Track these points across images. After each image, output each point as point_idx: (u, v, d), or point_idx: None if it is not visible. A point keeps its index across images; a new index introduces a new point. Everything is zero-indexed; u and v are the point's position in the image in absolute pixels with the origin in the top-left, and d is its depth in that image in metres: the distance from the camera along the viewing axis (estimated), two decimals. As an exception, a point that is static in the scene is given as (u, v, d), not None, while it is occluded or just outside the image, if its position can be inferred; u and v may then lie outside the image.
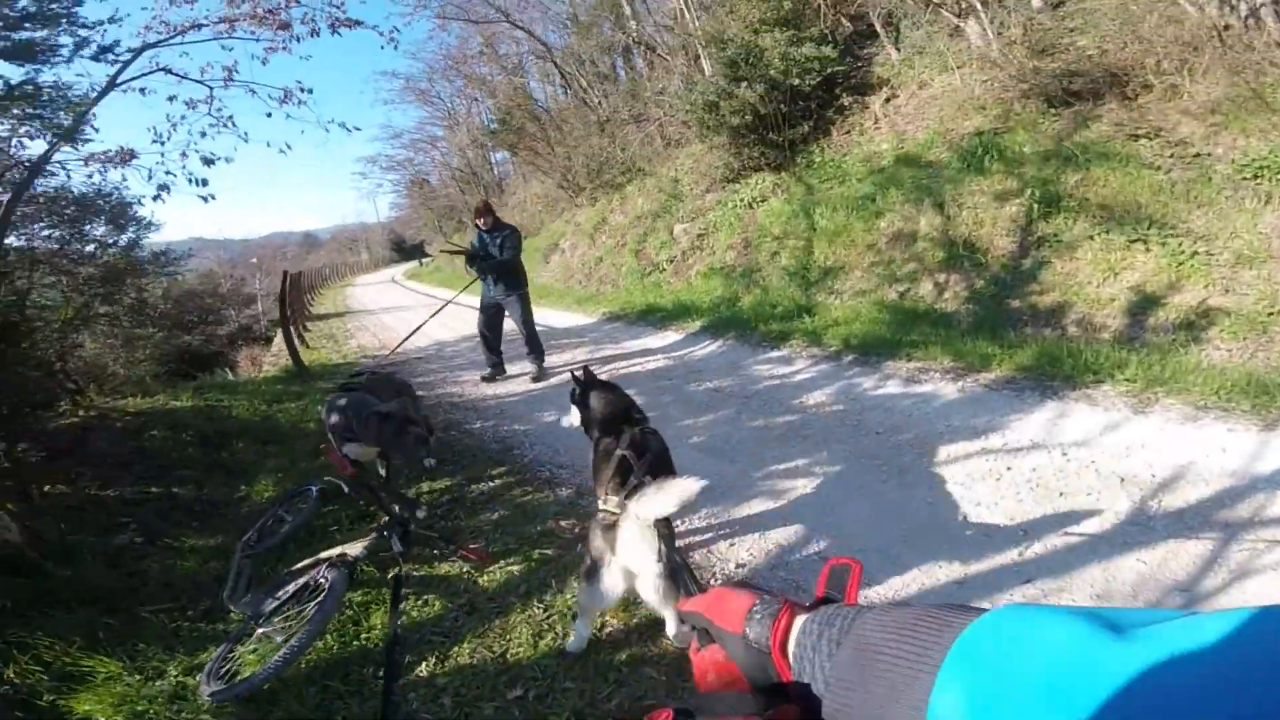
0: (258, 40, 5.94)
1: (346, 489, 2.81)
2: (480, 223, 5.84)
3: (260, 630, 2.34)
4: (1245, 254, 4.92)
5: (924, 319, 5.85)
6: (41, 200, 6.45)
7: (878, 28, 9.56)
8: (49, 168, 5.64)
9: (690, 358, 5.98)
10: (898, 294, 6.57)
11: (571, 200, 15.59)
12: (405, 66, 34.29)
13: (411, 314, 12.45)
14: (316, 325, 12.76)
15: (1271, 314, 4.59)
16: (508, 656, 2.19)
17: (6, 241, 5.38)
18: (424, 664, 2.22)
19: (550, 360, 6.26)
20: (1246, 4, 5.99)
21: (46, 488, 4.11)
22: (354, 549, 2.55)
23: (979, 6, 7.95)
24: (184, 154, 5.87)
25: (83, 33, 5.64)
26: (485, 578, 2.65)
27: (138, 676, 2.25)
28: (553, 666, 2.09)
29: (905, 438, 3.51)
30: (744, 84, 9.06)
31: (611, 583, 1.91)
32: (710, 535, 2.84)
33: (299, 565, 2.58)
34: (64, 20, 5.57)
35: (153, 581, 3.01)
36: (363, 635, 2.40)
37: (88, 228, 7.41)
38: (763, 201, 9.37)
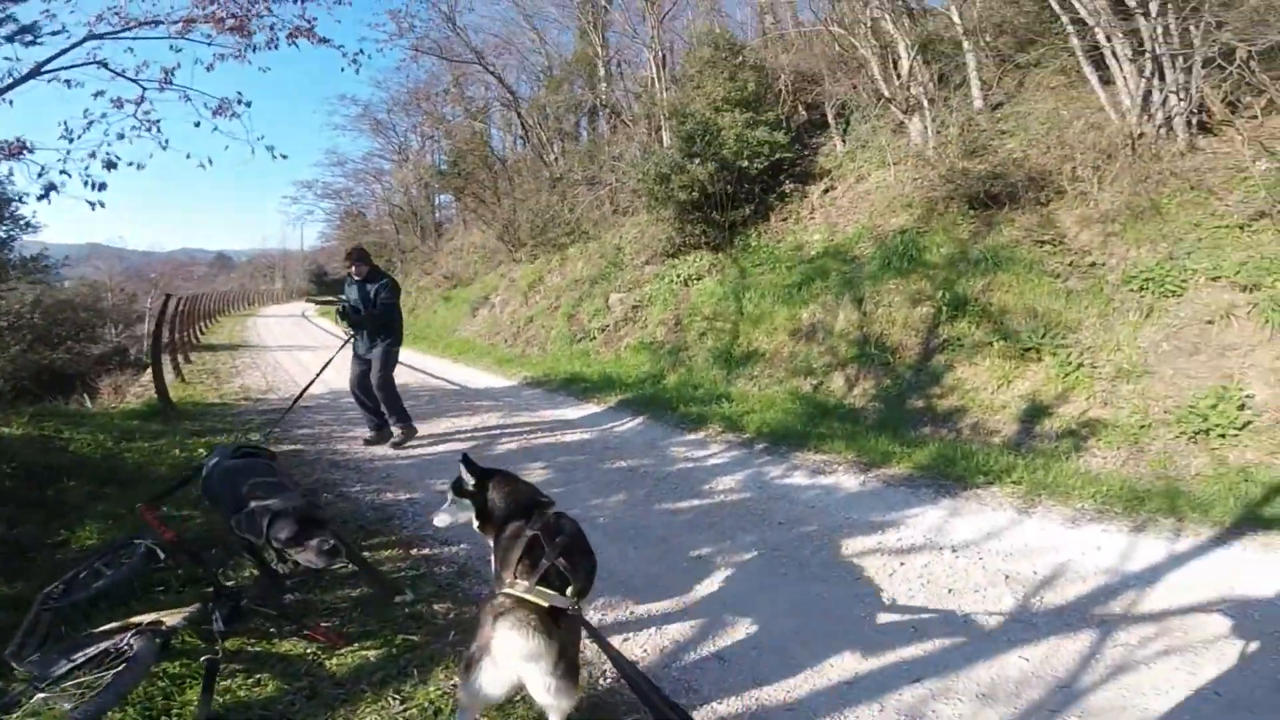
0: (210, 45, 5.61)
1: (163, 555, 2.42)
2: (354, 271, 5.37)
3: (40, 696, 1.92)
4: (1125, 367, 5.39)
5: (833, 413, 6.00)
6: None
7: (829, 119, 10.22)
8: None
9: (608, 434, 5.81)
10: (811, 386, 6.76)
11: (510, 254, 15.49)
12: (367, 94, 33.80)
13: (310, 356, 11.70)
14: (202, 356, 11.70)
15: (1144, 426, 5.01)
16: None
17: None
18: None
19: (459, 424, 5.93)
20: (1163, 112, 6.58)
21: None
22: (172, 618, 2.16)
23: (925, 104, 8.67)
24: (93, 154, 5.34)
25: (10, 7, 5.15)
26: (334, 660, 2.30)
27: None
28: None
29: (807, 530, 3.47)
30: (697, 160, 9.36)
31: (498, 677, 1.68)
32: (605, 629, 2.61)
33: (105, 628, 2.17)
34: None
35: None
36: (173, 712, 2.02)
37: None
38: (698, 280, 9.61)
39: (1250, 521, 3.30)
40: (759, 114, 9.64)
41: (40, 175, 5.23)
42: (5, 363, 8.64)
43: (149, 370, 7.66)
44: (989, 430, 5.42)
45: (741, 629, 2.55)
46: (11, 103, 5.25)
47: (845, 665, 2.28)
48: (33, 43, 5.24)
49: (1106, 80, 7.13)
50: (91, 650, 2.01)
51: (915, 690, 2.12)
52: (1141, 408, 5.15)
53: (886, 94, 8.80)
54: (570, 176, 14.89)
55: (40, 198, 5.18)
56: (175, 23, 5.48)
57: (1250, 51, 5.94)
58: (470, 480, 2.19)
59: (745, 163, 9.23)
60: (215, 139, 5.68)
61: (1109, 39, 6.87)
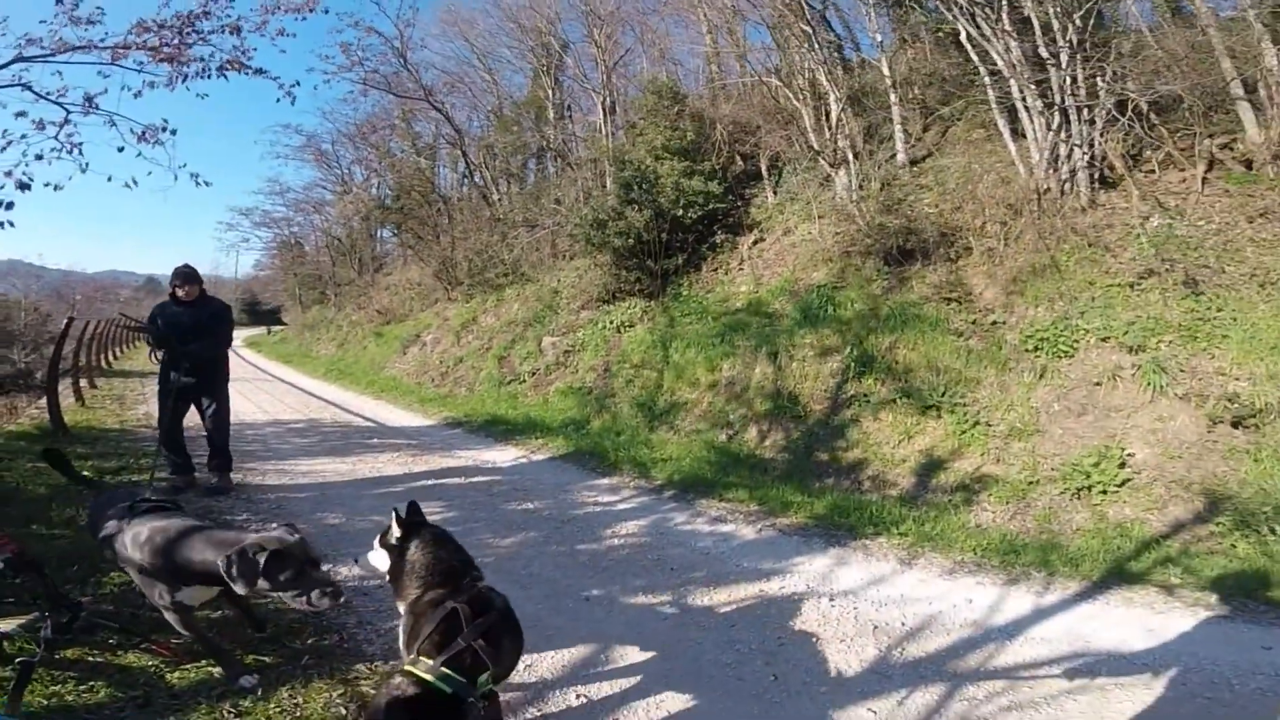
0: (140, 72, 5.55)
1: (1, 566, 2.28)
2: (182, 292, 4.62)
3: None
4: (1018, 426, 5.72)
5: (744, 463, 6.13)
6: None
7: (763, 170, 10.64)
8: None
9: (520, 476, 5.74)
10: (727, 437, 6.90)
11: (446, 293, 15.36)
12: (313, 123, 33.25)
13: (235, 392, 11.17)
14: (111, 382, 11.03)
15: (1032, 483, 5.30)
16: None
17: None
18: None
19: (367, 461, 5.74)
20: (1068, 166, 7.00)
21: None
22: (4, 625, 2.19)
23: (850, 158, 9.15)
24: (8, 173, 5.17)
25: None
26: (176, 674, 2.28)
27: None
28: None
29: (696, 575, 3.50)
30: (634, 207, 9.56)
31: None
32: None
33: None
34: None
35: None
36: None
37: None
38: (630, 327, 9.72)
39: (1117, 576, 3.51)
40: (696, 163, 10.01)
41: None
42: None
43: (46, 394, 7.20)
44: (888, 483, 5.63)
45: (613, 670, 2.56)
46: None
47: (704, 710, 2.30)
48: None
49: (1019, 134, 7.66)
50: None
51: None
52: (1030, 465, 5.47)
53: (816, 146, 9.33)
54: (512, 217, 15.02)
55: None
56: (107, 48, 5.44)
57: (1147, 104, 6.51)
58: (395, 532, 1.95)
59: (680, 211, 9.52)
60: (140, 163, 5.54)
61: (1021, 91, 7.44)
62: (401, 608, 1.89)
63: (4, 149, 5.21)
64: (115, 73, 5.47)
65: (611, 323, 9.94)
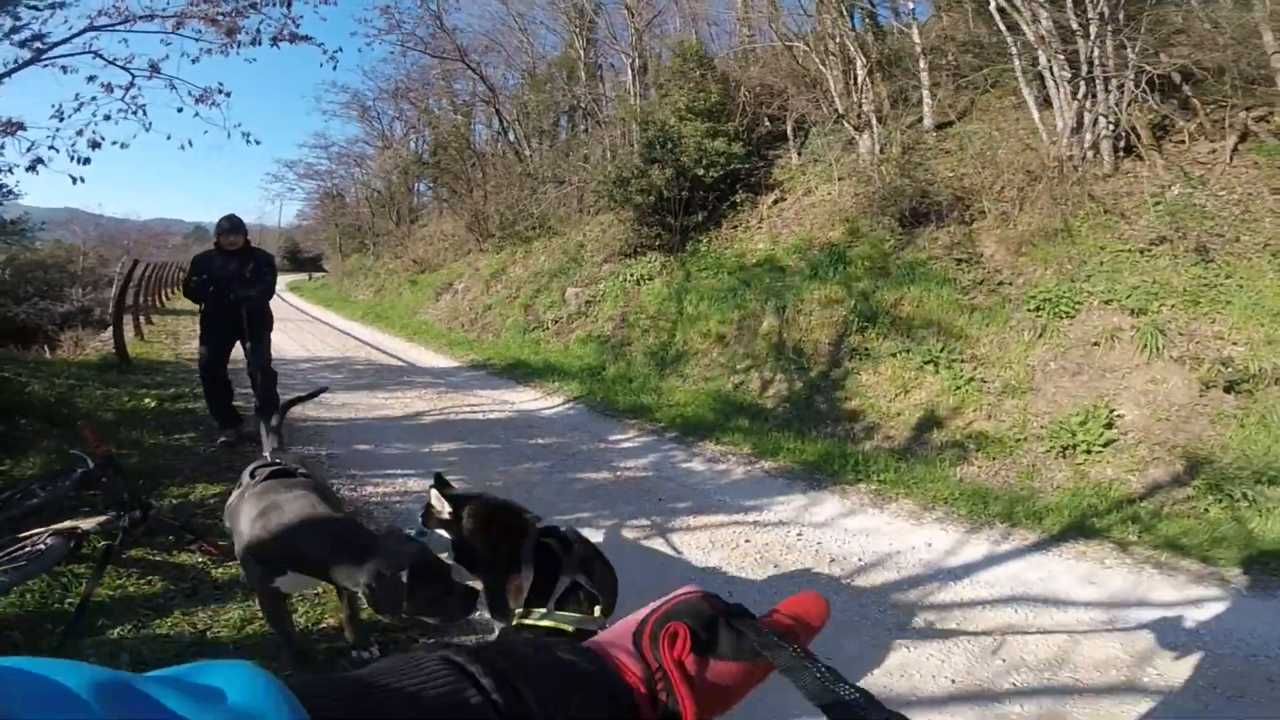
0: (197, 41, 5.98)
1: (92, 465, 2.78)
2: (226, 241, 4.61)
3: None
4: (1013, 384, 5.89)
5: (746, 411, 6.45)
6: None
7: (788, 132, 10.69)
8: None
9: (535, 415, 6.20)
10: (733, 385, 7.22)
11: (478, 244, 15.80)
12: (357, 81, 33.68)
13: (279, 330, 11.93)
14: (165, 319, 11.89)
15: (1020, 440, 5.50)
16: (207, 634, 2.30)
17: None
18: (118, 629, 2.30)
19: (397, 397, 6.25)
20: (1093, 134, 6.96)
21: None
22: (87, 524, 2.56)
23: (875, 123, 9.16)
24: (79, 132, 5.74)
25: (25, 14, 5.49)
26: (219, 570, 2.70)
27: None
28: (247, 646, 2.24)
29: (681, 505, 3.89)
30: (657, 165, 9.78)
31: None
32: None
33: (30, 532, 2.53)
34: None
35: None
36: (67, 601, 2.42)
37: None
38: (649, 280, 10.02)
39: (1077, 530, 3.61)
40: (719, 124, 10.07)
41: (29, 150, 5.66)
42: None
43: (111, 329, 7.94)
44: (883, 434, 5.90)
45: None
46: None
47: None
48: (37, 39, 5.57)
49: (1046, 102, 7.59)
50: (14, 549, 2.38)
51: None
52: (1020, 422, 5.66)
53: (841, 110, 9.28)
54: (541, 173, 15.24)
55: (28, 169, 5.61)
56: (170, 17, 5.86)
57: (1180, 74, 6.35)
58: (445, 509, 1.84)
59: (702, 171, 9.67)
60: (196, 123, 6.09)
61: (1049, 61, 7.35)
62: (479, 576, 1.81)
63: (76, 110, 5.79)
64: (175, 40, 5.93)
65: (631, 276, 10.23)
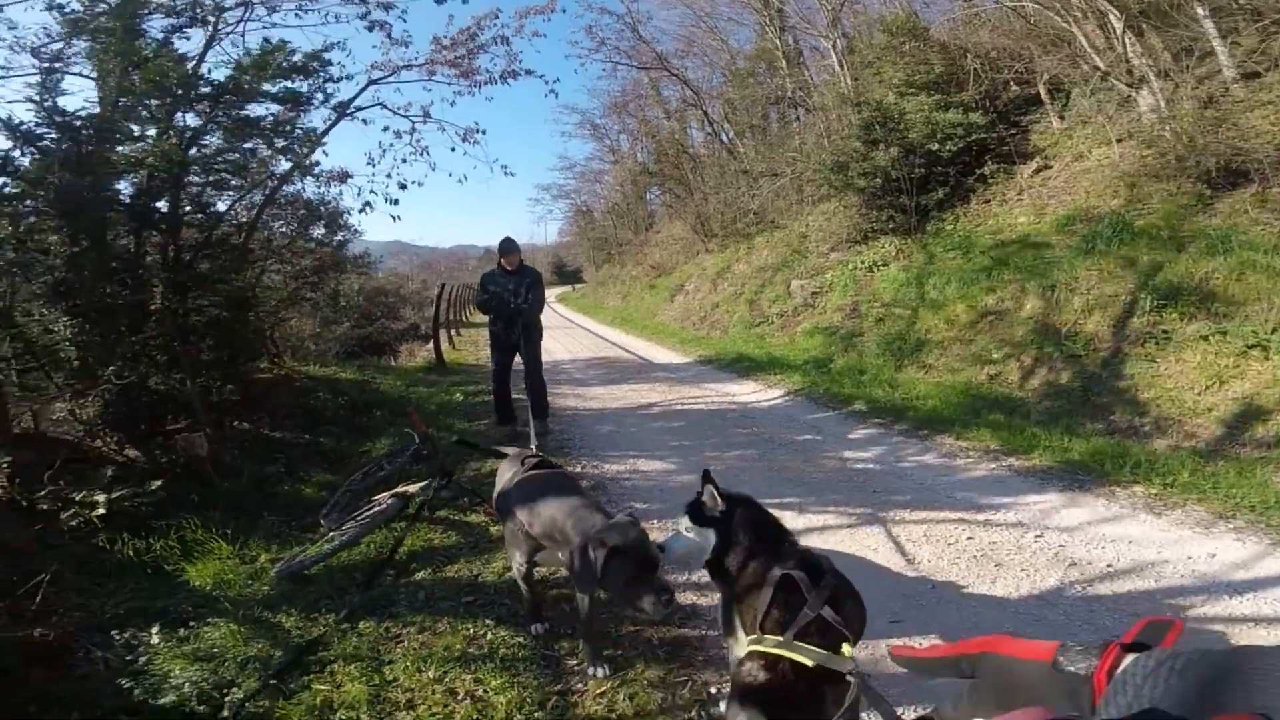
0: (450, 85, 7.43)
1: (417, 440, 3.75)
2: (505, 262, 5.29)
3: (332, 533, 3.32)
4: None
5: (999, 404, 5.74)
6: (282, 203, 8.39)
7: (1043, 95, 9.29)
8: (290, 179, 7.45)
9: (754, 405, 6.40)
10: (987, 376, 6.46)
11: (704, 245, 16.50)
12: (584, 101, 37.56)
13: (549, 334, 14.10)
14: (469, 331, 14.83)
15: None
16: (478, 579, 2.94)
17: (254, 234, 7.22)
18: (421, 572, 3.04)
19: (635, 390, 6.98)
20: None
21: (235, 422, 5.54)
22: (413, 489, 3.47)
23: (1152, 78, 7.52)
24: (388, 175, 7.39)
25: (329, 88, 7.32)
26: (496, 528, 3.38)
27: (235, 560, 3.17)
28: (503, 590, 2.82)
29: (899, 499, 3.71)
30: (878, 146, 9.26)
31: None
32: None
33: (377, 496, 3.54)
34: (319, 77, 7.23)
35: (280, 500, 4.11)
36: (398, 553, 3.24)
37: (310, 229, 9.55)
38: (883, 266, 9.47)
39: None
40: (949, 95, 9.16)
41: (358, 194, 7.52)
42: (342, 333, 12.01)
43: (431, 340, 10.31)
44: (1184, 432, 4.77)
45: None
46: (326, 147, 7.50)
47: (869, 611, 2.56)
48: (333, 97, 7.18)
49: None
50: (366, 509, 3.36)
51: (890, 630, 2.37)
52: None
53: (1103, 67, 7.72)
54: (755, 168, 15.27)
55: (360, 211, 7.44)
56: (422, 66, 7.28)
57: None
58: (719, 505, 1.78)
59: (936, 146, 8.86)
60: (464, 160, 7.48)
61: None
62: (720, 586, 1.78)
63: (382, 157, 7.17)
64: (434, 87, 7.31)
65: (862, 263, 9.76)
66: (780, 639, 1.41)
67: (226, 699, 2.18)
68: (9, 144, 4.30)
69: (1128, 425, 5.07)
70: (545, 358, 5.78)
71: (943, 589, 2.71)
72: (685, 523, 1.82)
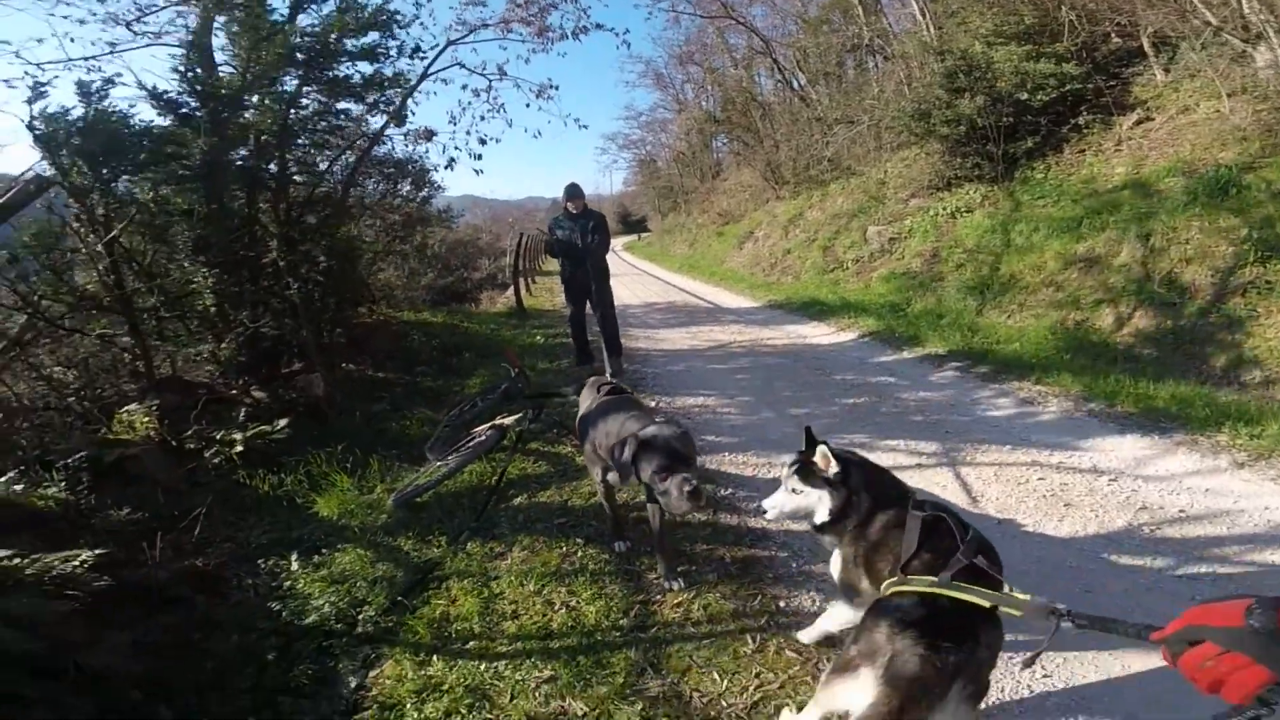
0: (524, 42, 7.61)
1: (513, 373, 4.11)
2: (571, 206, 5.50)
3: (437, 463, 3.71)
4: None
5: (1086, 350, 5.58)
6: (373, 163, 8.91)
7: (1146, 48, 8.62)
8: (381, 139, 7.89)
9: (824, 348, 6.47)
10: (1074, 321, 6.24)
11: (774, 192, 16.17)
12: (649, 51, 36.68)
13: (617, 281, 14.42)
14: (544, 279, 15.34)
15: None
16: (567, 504, 3.27)
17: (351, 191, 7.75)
18: (518, 499, 3.38)
19: (704, 332, 7.17)
20: None
21: (344, 364, 6.10)
22: (508, 420, 3.81)
23: (1271, 33, 6.80)
24: (467, 133, 7.74)
25: (400, 35, 7.19)
26: (581, 458, 3.69)
27: (356, 492, 3.46)
28: (590, 513, 3.13)
29: (969, 438, 3.78)
30: (964, 95, 8.97)
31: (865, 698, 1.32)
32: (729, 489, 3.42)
33: (477, 428, 3.92)
34: (392, 26, 7.40)
35: (388, 435, 4.46)
36: (491, 476, 3.58)
37: (399, 186, 10.10)
38: (967, 213, 9.15)
39: None
40: (1040, 46, 8.73)
41: (443, 151, 7.88)
42: (428, 282, 12.75)
43: (510, 288, 10.82)
44: (1283, 384, 4.54)
45: None
46: (413, 106, 7.81)
47: None
48: (419, 54, 7.41)
49: None
50: (467, 440, 3.70)
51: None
52: None
53: (1215, 21, 7.01)
54: (830, 116, 14.71)
55: (446, 167, 7.85)
56: (498, 25, 7.45)
57: None
58: (833, 466, 1.74)
59: (1026, 95, 8.54)
60: (539, 115, 7.71)
61: None
62: (841, 541, 1.77)
63: (462, 114, 7.54)
64: (509, 45, 7.44)
65: (945, 209, 9.42)
66: (934, 579, 1.39)
67: (359, 616, 2.43)
68: (155, 112, 4.84)
69: (1220, 374, 4.86)
70: (616, 303, 6.03)
71: (1007, 525, 2.83)
72: (794, 482, 1.81)
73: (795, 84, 17.32)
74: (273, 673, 2.14)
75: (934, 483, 3.28)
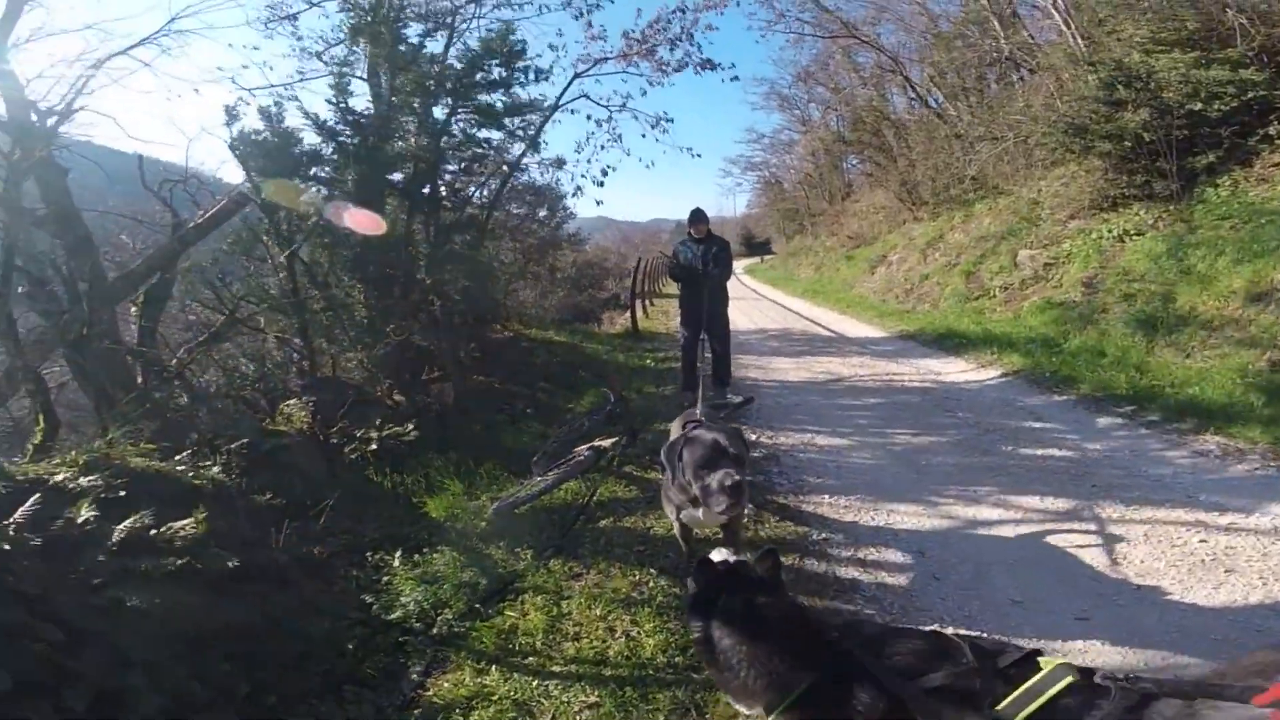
0: (641, 75, 8.04)
1: (612, 398, 4.24)
2: (694, 230, 5.44)
3: (539, 478, 3.86)
4: None
5: (1283, 397, 4.66)
6: (514, 189, 9.71)
7: None
8: (520, 166, 8.62)
9: (958, 386, 5.95)
10: (1271, 362, 5.24)
11: (911, 213, 15.26)
12: (770, 72, 35.95)
13: (732, 305, 14.27)
14: (661, 301, 15.59)
15: None
16: (650, 531, 3.23)
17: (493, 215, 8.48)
18: (605, 520, 3.39)
19: (821, 363, 6.92)
20: None
21: (475, 376, 6.58)
22: (607, 442, 3.97)
23: None
24: (589, 161, 8.30)
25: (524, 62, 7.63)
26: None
27: (464, 496, 3.61)
28: (668, 544, 3.03)
29: (1123, 495, 3.31)
30: (1126, 107, 8.08)
31: None
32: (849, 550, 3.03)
33: (578, 448, 4.07)
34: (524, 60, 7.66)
35: (502, 445, 4.65)
36: (584, 494, 3.62)
37: (537, 211, 10.92)
38: (1135, 236, 8.07)
39: None
40: (1210, 52, 7.67)
41: (571, 180, 8.51)
42: (557, 301, 13.48)
43: (629, 310, 11.19)
44: None
45: (965, 569, 2.77)
46: (545, 136, 8.46)
47: (1037, 598, 2.46)
48: (541, 78, 7.87)
49: None
50: (568, 458, 3.86)
51: (1073, 627, 2.24)
52: None
53: None
54: (971, 132, 13.64)
55: (572, 195, 8.41)
56: (618, 58, 7.91)
57: None
58: None
59: (1199, 105, 7.47)
60: (656, 146, 8.20)
61: None
62: None
63: (586, 143, 8.21)
64: (628, 78, 7.93)
65: (1110, 232, 8.36)
66: None
67: (438, 618, 2.51)
68: (318, 139, 5.64)
69: None
70: (730, 333, 5.87)
71: (1147, 591, 2.47)
72: None
73: (932, 101, 16.37)
74: (349, 661, 2.27)
75: (1069, 541, 2.93)
